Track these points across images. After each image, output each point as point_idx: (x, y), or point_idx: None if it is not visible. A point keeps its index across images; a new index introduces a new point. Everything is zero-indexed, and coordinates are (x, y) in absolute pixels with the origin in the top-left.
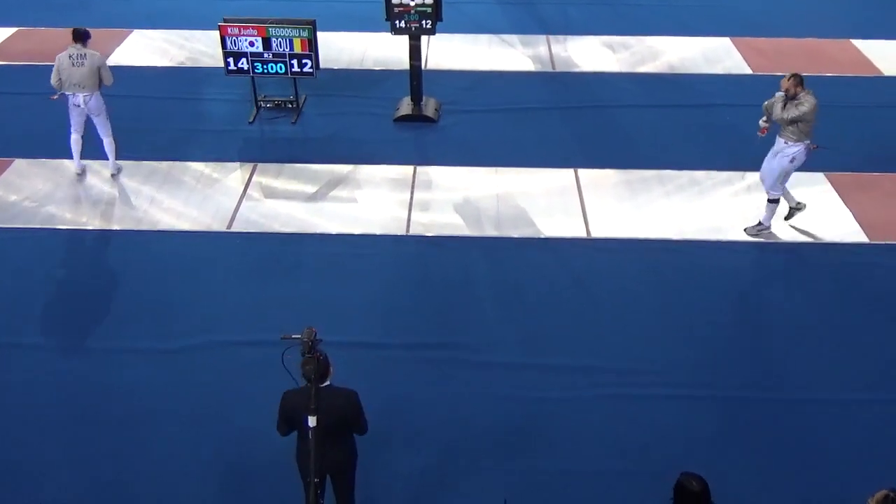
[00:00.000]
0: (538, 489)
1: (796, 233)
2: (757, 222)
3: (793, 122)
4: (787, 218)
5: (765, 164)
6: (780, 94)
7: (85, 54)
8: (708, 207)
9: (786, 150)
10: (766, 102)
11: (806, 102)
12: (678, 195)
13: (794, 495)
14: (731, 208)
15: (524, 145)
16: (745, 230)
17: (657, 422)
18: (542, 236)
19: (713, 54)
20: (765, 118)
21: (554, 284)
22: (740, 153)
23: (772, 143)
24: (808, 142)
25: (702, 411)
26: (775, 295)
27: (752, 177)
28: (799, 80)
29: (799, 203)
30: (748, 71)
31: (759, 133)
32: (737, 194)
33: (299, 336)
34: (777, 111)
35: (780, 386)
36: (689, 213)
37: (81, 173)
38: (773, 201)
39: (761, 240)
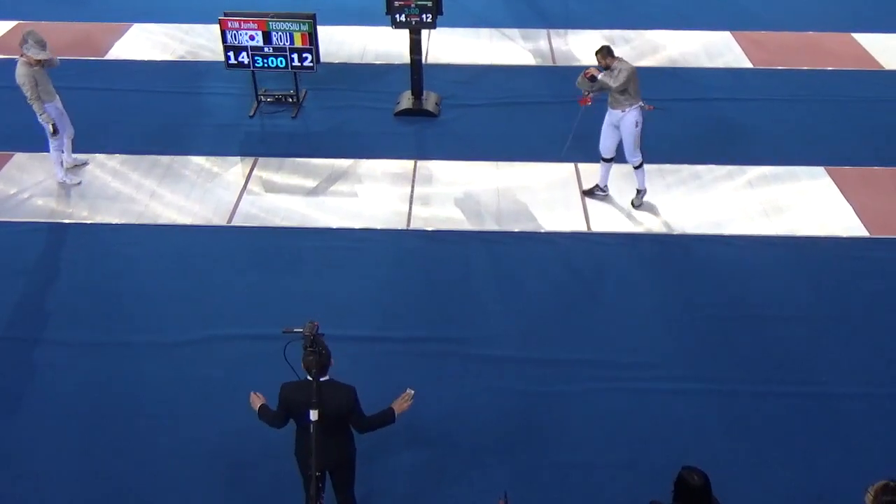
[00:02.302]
0: (538, 482)
1: (797, 226)
2: (636, 192)
3: (622, 91)
4: (585, 192)
5: (604, 137)
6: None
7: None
8: (709, 201)
9: (626, 117)
10: (577, 80)
11: (623, 69)
12: (679, 189)
13: (794, 489)
14: (732, 202)
15: (525, 139)
16: (631, 202)
17: (658, 415)
18: (543, 230)
19: (714, 48)
20: (586, 91)
21: (554, 278)
22: (741, 147)
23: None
24: (642, 103)
25: (702, 405)
26: (775, 289)
27: (753, 171)
28: (606, 52)
29: (606, 188)
30: (749, 65)
31: (580, 103)
32: (737, 188)
33: (301, 330)
34: (608, 83)
35: (780, 380)
36: (690, 206)
37: (73, 167)
38: (639, 167)
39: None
